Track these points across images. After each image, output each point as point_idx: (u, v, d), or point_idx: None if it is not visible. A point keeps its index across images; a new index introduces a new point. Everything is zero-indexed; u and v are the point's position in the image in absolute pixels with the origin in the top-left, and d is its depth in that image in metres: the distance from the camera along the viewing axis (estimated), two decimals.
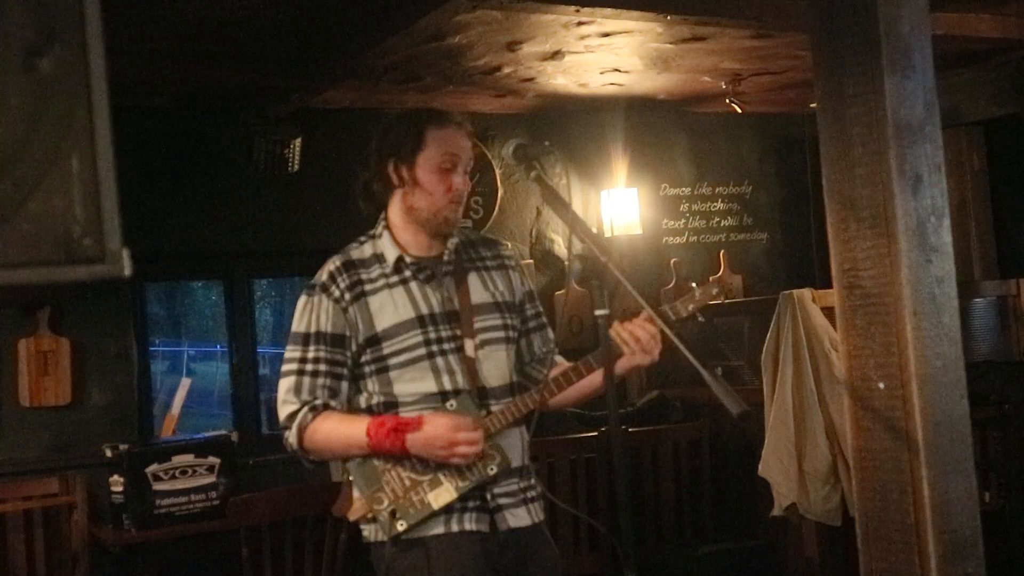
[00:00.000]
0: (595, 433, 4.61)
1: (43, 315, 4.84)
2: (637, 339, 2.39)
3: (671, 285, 6.19)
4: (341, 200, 5.52)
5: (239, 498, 3.87)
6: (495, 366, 2.52)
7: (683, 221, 6.49)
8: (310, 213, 5.51)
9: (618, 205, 6.00)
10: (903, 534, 2.82)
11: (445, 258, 2.54)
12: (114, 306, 5.05)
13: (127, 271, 0.96)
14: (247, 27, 4.16)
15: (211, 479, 4.42)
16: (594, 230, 2.30)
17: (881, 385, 2.86)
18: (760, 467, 4.33)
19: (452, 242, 2.55)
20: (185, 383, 5.03)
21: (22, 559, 4.53)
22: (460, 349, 2.48)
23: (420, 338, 2.45)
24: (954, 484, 2.83)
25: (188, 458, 4.40)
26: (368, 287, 2.49)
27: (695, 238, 6.51)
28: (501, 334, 2.55)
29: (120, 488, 4.34)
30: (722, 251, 6.40)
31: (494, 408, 2.47)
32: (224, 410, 6.09)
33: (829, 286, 3.18)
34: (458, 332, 2.48)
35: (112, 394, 5.02)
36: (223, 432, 4.63)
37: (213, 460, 4.44)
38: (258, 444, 5.35)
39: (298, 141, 5.29)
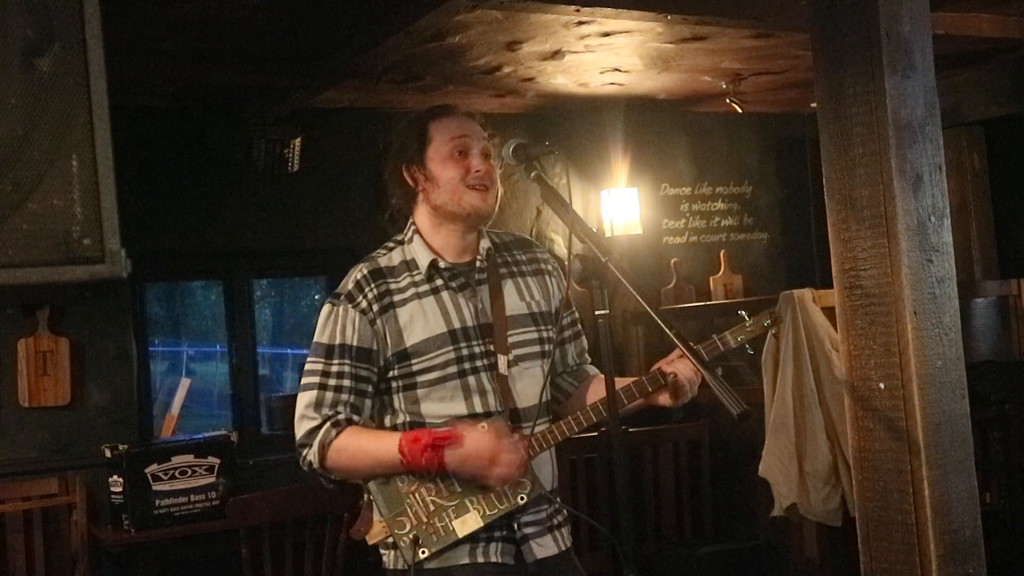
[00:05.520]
0: (595, 433, 4.61)
1: (43, 315, 4.84)
2: (689, 379, 2.31)
3: (671, 285, 6.19)
4: (341, 200, 5.57)
5: (239, 498, 3.87)
6: (529, 384, 2.38)
7: (683, 221, 6.48)
8: (310, 213, 5.51)
9: (618, 205, 5.99)
10: (904, 534, 2.82)
11: (478, 264, 2.40)
12: (114, 306, 5.05)
13: (126, 271, 0.96)
14: (247, 27, 4.16)
15: (211, 479, 4.42)
16: (594, 230, 2.25)
17: (881, 385, 2.86)
18: (760, 467, 4.33)
19: (484, 246, 2.41)
20: (185, 383, 5.03)
21: (22, 559, 4.53)
22: (493, 367, 2.34)
23: (452, 355, 2.31)
24: (955, 484, 2.83)
25: (188, 458, 4.40)
26: (397, 298, 2.34)
27: (695, 238, 6.50)
28: (536, 348, 2.41)
29: (120, 488, 4.33)
30: (722, 251, 6.40)
31: (526, 431, 2.32)
32: (224, 410, 6.08)
33: (829, 286, 3.18)
34: (491, 348, 2.35)
35: (112, 394, 5.02)
36: (223, 432, 4.62)
37: (213, 460, 4.44)
38: (258, 444, 5.35)
39: (298, 141, 5.29)
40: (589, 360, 2.60)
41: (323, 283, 6.05)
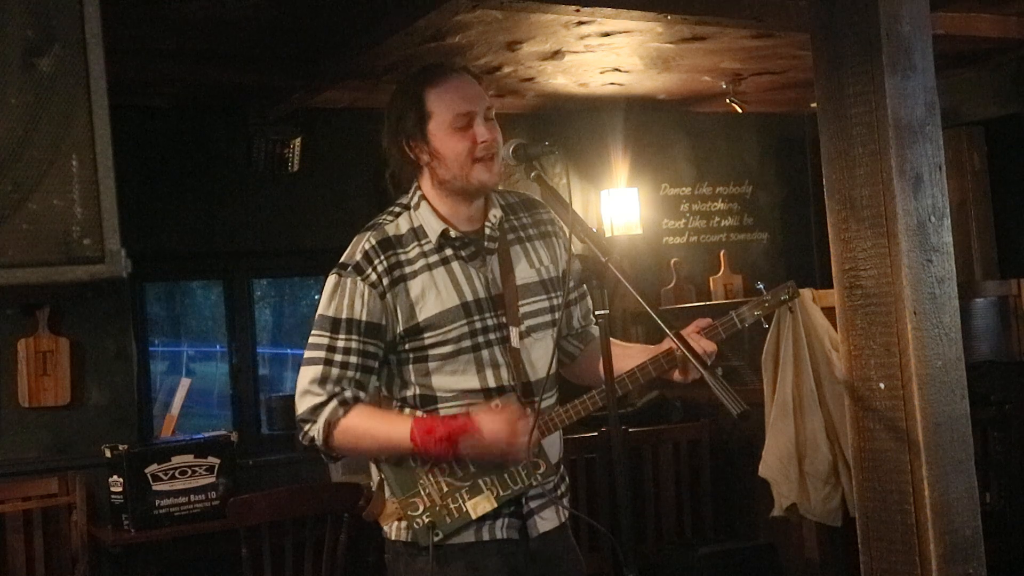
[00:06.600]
0: (595, 433, 4.61)
1: (43, 315, 4.83)
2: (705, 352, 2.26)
3: (671, 285, 6.19)
4: (341, 200, 5.57)
5: (239, 498, 3.86)
6: (540, 355, 2.34)
7: (683, 221, 6.49)
8: (310, 213, 5.51)
9: (618, 205, 6.00)
10: (904, 535, 2.82)
11: (488, 232, 2.34)
12: (114, 306, 5.05)
13: (126, 271, 0.96)
14: (247, 27, 4.16)
15: (211, 479, 4.42)
16: (594, 230, 2.24)
17: (882, 385, 2.86)
18: (760, 467, 4.33)
19: (494, 214, 2.35)
20: (185, 383, 5.02)
21: (22, 559, 4.53)
22: (505, 339, 2.30)
23: (466, 328, 2.27)
24: (955, 484, 2.83)
25: (188, 458, 4.40)
26: (407, 269, 2.28)
27: (695, 238, 6.51)
28: (548, 317, 2.37)
29: (120, 488, 4.33)
30: (722, 251, 6.40)
31: (542, 406, 2.31)
32: (224, 410, 6.08)
33: (830, 286, 3.18)
34: (503, 320, 2.30)
35: (112, 394, 5.01)
36: (223, 432, 4.62)
37: (213, 460, 4.43)
38: (258, 444, 5.35)
39: (298, 141, 5.29)
40: (593, 321, 2.50)
41: (323, 283, 6.05)
